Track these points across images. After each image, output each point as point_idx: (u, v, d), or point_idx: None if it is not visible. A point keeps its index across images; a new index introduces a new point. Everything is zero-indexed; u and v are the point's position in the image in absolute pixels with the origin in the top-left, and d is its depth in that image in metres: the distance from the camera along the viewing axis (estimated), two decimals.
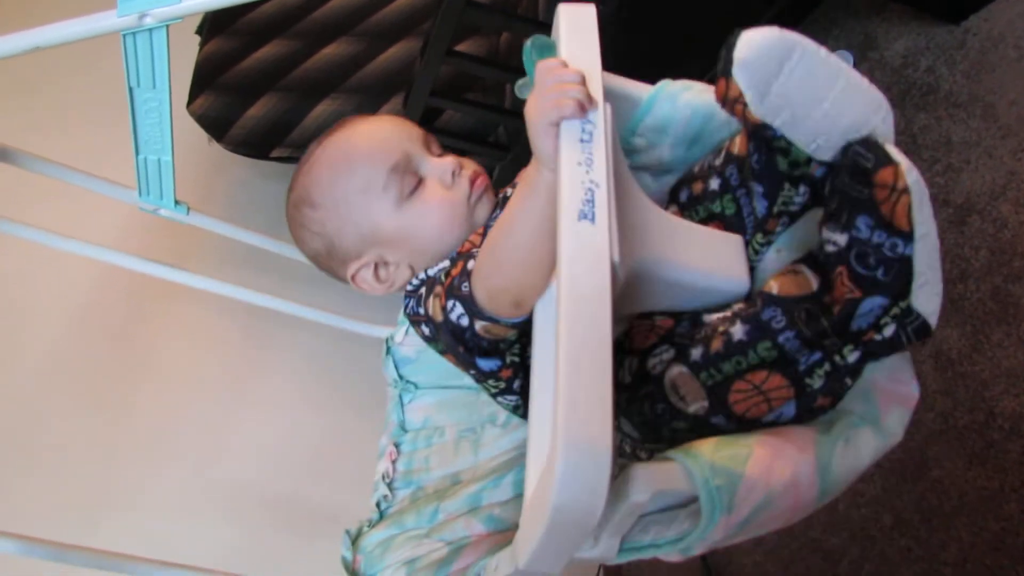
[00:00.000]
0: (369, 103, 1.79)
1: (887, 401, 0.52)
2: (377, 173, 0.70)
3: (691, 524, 0.48)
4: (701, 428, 0.52)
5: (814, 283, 0.50)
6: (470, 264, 0.58)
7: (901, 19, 1.45)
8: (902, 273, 0.45)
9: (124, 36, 0.81)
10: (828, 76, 0.48)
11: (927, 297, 0.47)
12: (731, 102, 0.50)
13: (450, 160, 0.72)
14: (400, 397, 0.96)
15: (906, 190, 0.45)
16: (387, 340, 0.97)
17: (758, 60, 0.47)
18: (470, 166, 0.73)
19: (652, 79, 0.68)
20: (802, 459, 0.47)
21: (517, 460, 0.82)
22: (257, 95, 1.80)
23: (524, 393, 0.64)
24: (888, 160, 0.46)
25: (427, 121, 1.69)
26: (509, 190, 0.73)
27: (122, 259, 1.14)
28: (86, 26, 0.80)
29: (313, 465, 1.84)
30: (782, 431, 0.50)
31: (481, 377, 0.66)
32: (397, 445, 0.94)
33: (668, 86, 0.64)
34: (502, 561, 0.57)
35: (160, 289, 1.83)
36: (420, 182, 0.71)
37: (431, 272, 0.69)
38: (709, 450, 0.47)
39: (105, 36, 0.80)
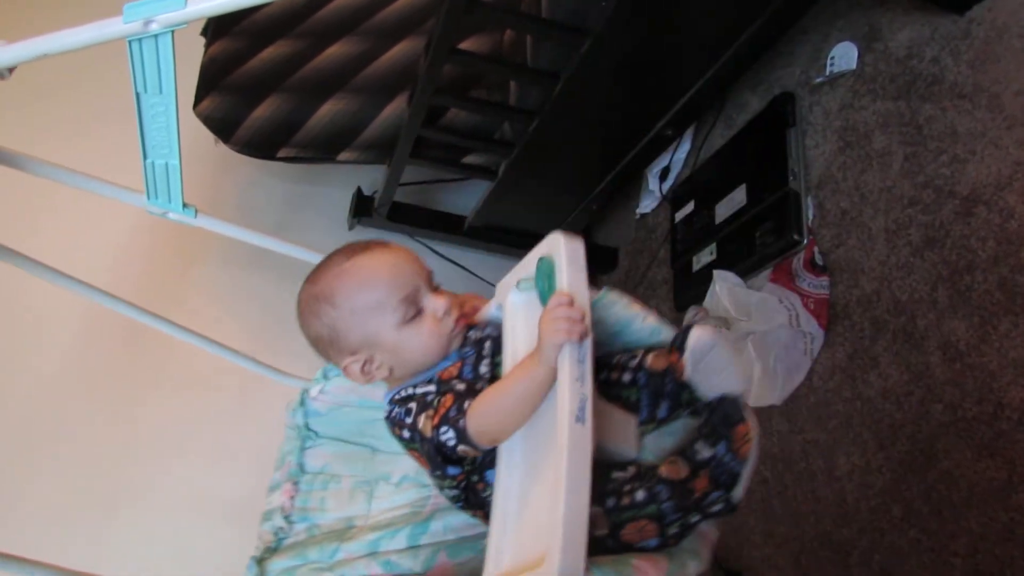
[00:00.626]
0: (374, 103, 1.79)
1: (704, 543, 0.82)
2: (392, 299, 0.88)
3: None
4: (599, 544, 0.76)
5: (685, 472, 0.77)
6: (466, 404, 0.79)
7: (905, 9, 1.45)
8: (733, 480, 0.76)
9: (130, 42, 0.82)
10: (726, 361, 0.80)
11: (740, 491, 0.76)
12: (674, 364, 0.81)
13: (445, 300, 0.90)
14: (302, 441, 1.21)
15: (749, 439, 0.76)
16: (302, 392, 1.23)
17: (698, 350, 0.79)
18: (456, 310, 0.91)
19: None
20: (659, 572, 0.74)
21: (411, 517, 1.05)
22: (263, 96, 1.81)
23: (466, 490, 0.87)
24: (743, 419, 0.77)
25: (432, 119, 1.69)
26: (484, 330, 0.93)
27: (107, 301, 1.19)
28: (92, 33, 0.81)
29: None
30: (648, 557, 0.76)
31: (442, 476, 0.86)
32: (295, 483, 1.16)
33: (608, 295, 0.88)
34: None
35: (168, 293, 1.84)
36: (419, 312, 0.89)
37: (418, 391, 0.87)
38: (611, 564, 0.71)
39: (111, 42, 0.81)
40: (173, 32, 0.82)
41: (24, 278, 1.70)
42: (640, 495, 0.77)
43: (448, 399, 0.82)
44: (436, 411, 0.82)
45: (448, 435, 0.79)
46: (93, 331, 1.89)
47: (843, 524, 1.36)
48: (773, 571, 1.51)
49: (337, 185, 2.25)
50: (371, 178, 2.18)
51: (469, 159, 1.87)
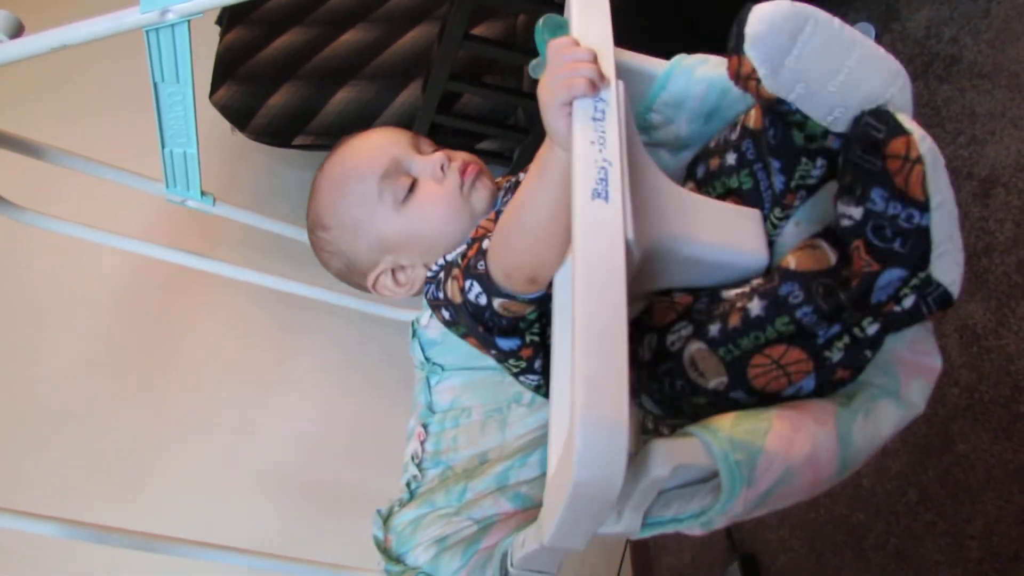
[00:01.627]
0: (388, 89, 1.80)
1: (908, 373, 0.52)
2: (369, 184, 0.72)
3: (712, 498, 0.48)
4: (721, 403, 0.52)
5: (832, 257, 0.49)
6: (485, 243, 0.59)
7: None
8: (920, 244, 0.45)
9: (147, 32, 0.83)
10: (842, 48, 0.48)
11: (947, 266, 0.46)
12: (744, 79, 0.50)
13: (438, 155, 0.74)
14: (427, 379, 0.98)
15: (919, 159, 0.44)
16: (413, 323, 1.00)
17: (770, 35, 0.47)
18: (459, 156, 0.75)
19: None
20: (822, 432, 0.47)
21: (543, 439, 0.83)
22: (278, 83, 1.82)
23: (546, 373, 0.65)
24: (900, 130, 0.45)
25: (446, 105, 1.70)
26: (521, 175, 0.74)
27: (160, 251, 1.17)
28: (110, 24, 0.82)
29: (343, 446, 1.88)
30: (802, 404, 0.50)
31: (502, 357, 0.66)
32: (425, 426, 0.96)
33: (683, 60, 0.64)
34: (528, 537, 0.57)
35: (193, 277, 1.85)
36: (414, 183, 0.73)
37: (449, 257, 0.70)
38: (728, 424, 0.47)
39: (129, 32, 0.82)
40: (189, 21, 0.82)
41: (48, 263, 1.73)
42: (757, 306, 0.50)
43: (473, 248, 0.63)
44: (460, 267, 0.63)
45: (476, 290, 0.60)
46: (114, 313, 1.92)
47: (858, 507, 1.36)
48: (788, 554, 1.51)
49: None
50: None
51: (483, 145, 1.87)
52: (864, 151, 0.47)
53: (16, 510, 0.87)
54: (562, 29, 0.57)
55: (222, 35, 1.92)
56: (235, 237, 2.08)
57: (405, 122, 1.77)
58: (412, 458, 0.94)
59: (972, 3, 1.34)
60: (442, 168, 0.74)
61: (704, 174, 0.62)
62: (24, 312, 1.90)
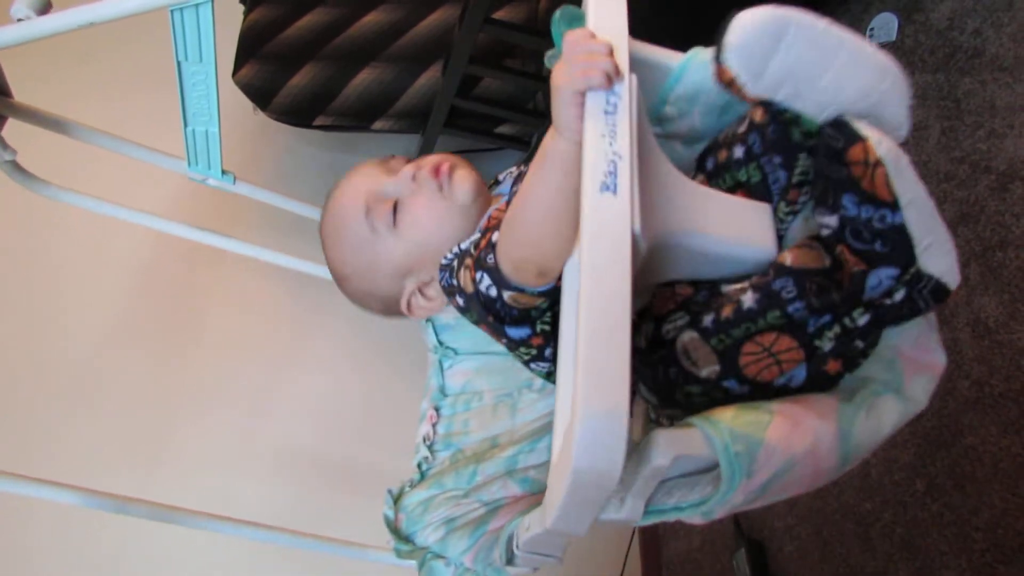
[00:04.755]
0: (409, 71, 1.80)
1: (912, 369, 0.52)
2: (358, 226, 0.74)
3: (712, 488, 0.49)
4: (713, 392, 0.54)
5: (827, 259, 0.51)
6: (494, 236, 0.60)
7: None
8: (900, 241, 0.46)
9: (172, 11, 0.84)
10: (828, 48, 0.49)
11: (936, 258, 0.47)
12: (727, 85, 0.52)
13: (407, 169, 0.74)
14: (440, 362, 0.99)
15: (879, 163, 0.46)
16: None
17: (749, 43, 0.49)
18: (427, 161, 0.75)
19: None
20: (822, 426, 0.48)
21: (552, 424, 0.74)
22: (300, 63, 1.83)
23: (555, 361, 0.65)
24: (856, 137, 0.47)
25: (465, 89, 1.70)
26: (524, 167, 0.75)
27: (180, 229, 1.19)
28: (136, 2, 0.83)
29: (356, 426, 1.90)
30: (803, 399, 0.51)
31: (512, 345, 0.68)
32: (437, 409, 0.97)
33: (699, 54, 0.64)
34: (533, 521, 0.59)
35: (212, 255, 1.88)
36: (396, 204, 0.74)
37: (463, 245, 0.70)
38: (729, 416, 0.48)
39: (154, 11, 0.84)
40: (213, 1, 0.84)
41: (73, 238, 1.76)
42: (750, 299, 0.52)
43: (484, 239, 0.63)
44: (473, 257, 0.64)
45: (486, 282, 0.60)
46: (139, 288, 1.95)
47: (866, 497, 1.37)
48: (795, 542, 1.52)
49: (372, 154, 2.24)
50: (405, 147, 2.20)
51: (502, 129, 1.87)
52: (828, 160, 0.49)
53: (37, 478, 0.90)
54: (578, 21, 0.57)
55: (246, 14, 1.94)
56: (254, 216, 2.10)
57: (425, 104, 1.78)
58: (424, 440, 0.96)
59: None
60: (414, 178, 0.74)
61: (713, 166, 0.63)
62: (47, 286, 1.93)
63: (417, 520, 0.87)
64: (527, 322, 0.62)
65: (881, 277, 0.48)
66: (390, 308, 0.81)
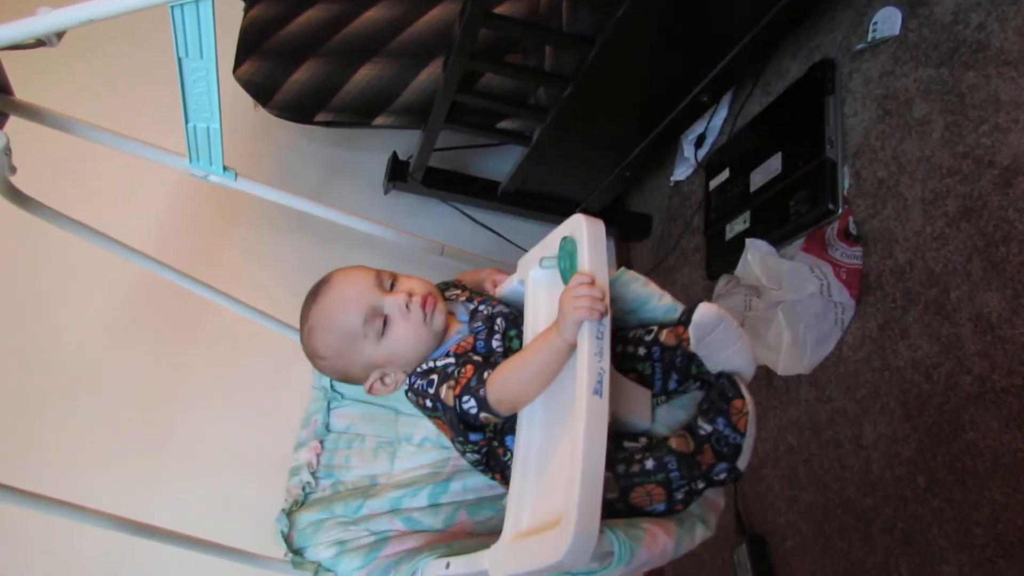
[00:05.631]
0: (410, 67, 1.80)
1: (711, 509, 0.88)
2: (355, 328, 0.93)
3: (599, 565, 0.77)
4: (609, 507, 0.79)
5: (692, 446, 0.84)
6: (486, 374, 0.83)
7: None
8: (735, 452, 0.82)
9: (172, 8, 0.84)
10: (733, 339, 0.85)
11: (744, 461, 0.82)
12: (681, 340, 0.87)
13: (401, 296, 0.94)
14: (328, 403, 1.27)
15: (745, 411, 0.82)
16: None
17: (703, 324, 0.84)
18: (418, 291, 0.95)
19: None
20: (667, 539, 0.80)
21: (431, 476, 1.11)
22: (301, 60, 1.83)
23: (487, 455, 0.93)
24: (740, 394, 0.83)
25: (467, 84, 1.70)
26: (476, 303, 0.99)
27: (159, 269, 1.27)
28: None
29: None
30: (659, 521, 0.82)
31: (464, 441, 0.91)
32: (321, 442, 1.23)
33: (626, 274, 0.93)
34: (457, 565, 0.84)
35: (211, 254, 1.89)
36: (386, 320, 0.93)
37: (438, 364, 0.92)
38: (623, 527, 0.76)
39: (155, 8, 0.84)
40: None
41: (72, 239, 1.75)
42: (650, 463, 0.83)
43: (469, 370, 0.86)
44: (458, 382, 0.86)
45: (470, 404, 0.84)
46: (140, 288, 1.96)
47: (867, 492, 1.37)
48: (796, 537, 1.53)
49: (373, 150, 2.28)
50: (406, 143, 2.20)
51: (503, 124, 1.87)
52: (720, 397, 0.84)
53: (26, 490, 0.89)
54: (575, 248, 0.84)
55: (246, 10, 1.94)
56: (255, 212, 2.10)
57: (426, 100, 1.78)
58: (308, 466, 1.19)
59: None
60: (407, 305, 0.93)
61: (621, 353, 0.92)
62: (46, 284, 1.94)
63: (309, 538, 1.07)
64: (483, 431, 0.89)
65: (722, 467, 0.82)
66: (345, 379, 1.00)
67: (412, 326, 0.93)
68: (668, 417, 0.93)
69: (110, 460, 1.76)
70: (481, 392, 0.83)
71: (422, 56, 1.81)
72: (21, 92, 1.02)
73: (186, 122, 1.02)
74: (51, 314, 1.91)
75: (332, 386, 1.28)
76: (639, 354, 0.91)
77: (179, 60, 0.92)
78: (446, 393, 0.87)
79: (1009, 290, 1.17)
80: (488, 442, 0.91)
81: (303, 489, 1.17)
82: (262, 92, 1.81)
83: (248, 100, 1.85)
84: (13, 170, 0.98)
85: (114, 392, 1.86)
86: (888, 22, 1.54)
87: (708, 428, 0.83)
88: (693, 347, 0.85)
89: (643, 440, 0.87)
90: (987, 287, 1.21)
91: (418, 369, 0.94)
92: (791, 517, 1.55)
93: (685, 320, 0.86)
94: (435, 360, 0.93)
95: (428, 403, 0.92)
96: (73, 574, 1.68)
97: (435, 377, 0.91)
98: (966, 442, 1.20)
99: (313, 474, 1.19)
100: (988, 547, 1.15)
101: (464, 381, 0.85)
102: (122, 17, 0.85)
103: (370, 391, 0.98)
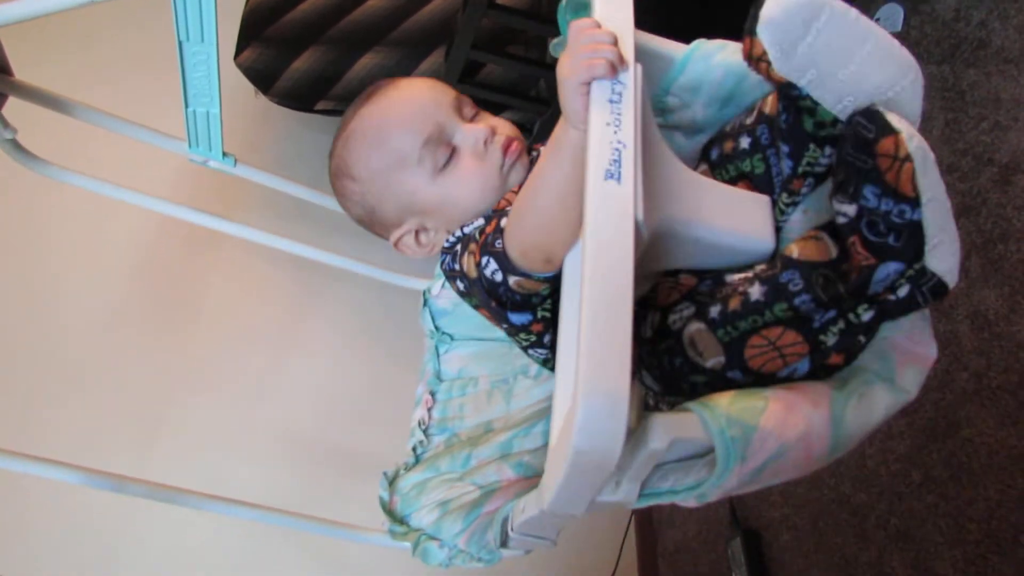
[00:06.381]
0: (412, 56, 1.80)
1: (904, 360, 0.53)
2: (411, 148, 0.72)
3: (708, 472, 0.50)
4: (717, 382, 0.54)
5: (834, 250, 0.51)
6: (503, 221, 0.60)
7: None
8: (913, 237, 0.47)
9: None
10: (856, 38, 0.49)
11: (941, 257, 0.47)
12: (756, 60, 0.51)
13: (483, 128, 0.73)
14: (436, 347, 1.00)
15: (908, 158, 0.46)
16: (424, 292, 1.00)
17: (784, 19, 0.48)
18: (503, 131, 0.74)
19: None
20: (815, 413, 0.49)
21: (547, 410, 0.85)
22: (303, 47, 1.82)
23: (554, 347, 0.65)
24: (889, 129, 0.47)
25: (468, 74, 1.70)
26: (540, 148, 0.75)
27: (182, 212, 1.18)
28: None
29: (354, 409, 1.91)
30: (797, 386, 0.51)
31: (513, 331, 0.68)
32: (433, 393, 0.98)
33: (702, 46, 0.64)
34: (529, 503, 0.60)
35: (212, 237, 1.88)
36: (454, 152, 0.73)
37: (467, 230, 0.71)
38: (725, 402, 0.48)
39: None
40: None
41: (78, 214, 1.75)
42: (757, 291, 0.52)
43: (492, 224, 0.63)
44: (478, 243, 0.64)
45: (492, 267, 0.61)
46: (137, 271, 1.96)
47: (862, 487, 1.38)
48: (791, 531, 1.53)
49: None
50: None
51: (504, 115, 1.87)
52: (855, 149, 0.48)
53: (36, 456, 0.90)
54: (585, 10, 0.57)
55: None
56: (255, 199, 2.09)
57: None
58: (419, 424, 0.96)
59: None
60: (485, 143, 0.73)
61: (718, 156, 0.63)
62: (46, 267, 1.93)
63: (412, 502, 0.87)
64: (529, 308, 0.63)
65: (888, 271, 0.48)
66: (372, 224, 0.79)
67: (484, 170, 0.72)
68: (805, 227, 0.58)
69: (104, 447, 1.76)
70: (498, 244, 0.60)
71: (424, 46, 1.80)
72: (21, 73, 1.02)
73: (186, 107, 1.01)
74: (47, 301, 1.91)
75: (437, 327, 0.99)
76: (742, 148, 0.61)
77: (180, 44, 0.91)
78: (468, 263, 0.65)
79: (1007, 287, 1.18)
80: (544, 326, 0.64)
81: (413, 450, 0.96)
82: (263, 79, 1.81)
83: (249, 87, 1.85)
84: (13, 131, 0.98)
85: (112, 373, 1.85)
86: (890, 18, 1.54)
87: (851, 209, 0.48)
88: (781, 68, 0.50)
89: (760, 267, 0.56)
90: (984, 284, 1.21)
91: (447, 242, 0.72)
92: (785, 511, 1.55)
93: (752, 23, 0.51)
94: (464, 228, 0.71)
95: (460, 284, 0.70)
96: (66, 564, 1.69)
97: (460, 247, 0.69)
98: (961, 438, 1.20)
99: (425, 431, 0.96)
100: (982, 543, 1.16)
101: (484, 239, 0.63)
102: (122, 0, 0.84)
103: (397, 244, 0.79)
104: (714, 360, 0.54)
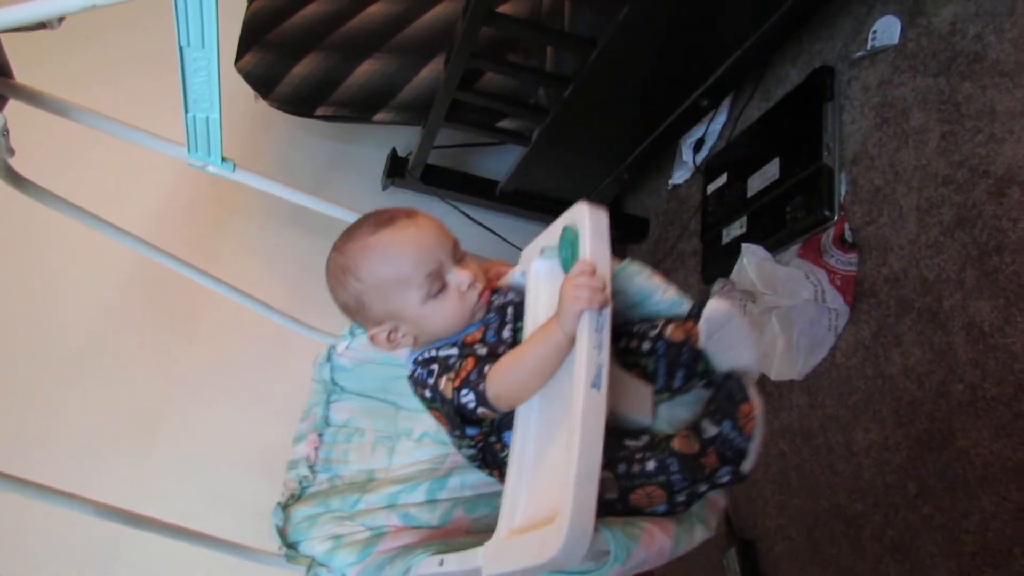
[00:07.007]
0: (411, 64, 1.81)
1: (712, 510, 0.85)
2: (416, 275, 0.89)
3: (594, 565, 0.76)
4: (606, 507, 0.77)
5: (696, 447, 0.80)
6: (486, 368, 0.82)
7: None
8: (740, 456, 0.79)
9: None
10: (742, 336, 0.83)
11: (748, 465, 0.79)
12: (691, 335, 0.84)
13: (468, 274, 0.91)
14: (328, 395, 1.25)
15: (753, 417, 0.79)
16: (330, 348, 1.26)
17: (712, 320, 0.83)
18: (480, 281, 0.92)
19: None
20: (665, 539, 0.78)
21: (430, 472, 1.09)
22: (303, 53, 1.83)
23: (483, 450, 0.91)
24: (748, 398, 0.80)
25: (468, 82, 1.71)
26: (508, 294, 0.95)
27: (157, 255, 1.24)
28: None
29: None
30: (657, 520, 0.80)
31: (461, 437, 0.89)
32: (320, 435, 1.21)
33: (630, 266, 0.91)
34: (451, 561, 0.83)
35: (210, 246, 1.88)
36: (443, 286, 0.90)
37: (440, 353, 0.89)
38: (620, 525, 0.75)
39: None
40: None
41: (74, 223, 1.75)
42: (651, 464, 0.80)
43: (469, 362, 0.84)
44: (457, 374, 0.84)
45: (468, 397, 0.82)
46: (137, 276, 1.95)
47: (858, 498, 1.38)
48: (786, 542, 1.53)
49: (372, 145, 2.28)
50: (406, 139, 2.20)
51: (503, 124, 1.88)
52: (727, 400, 0.80)
53: (33, 482, 0.89)
54: (576, 237, 0.81)
55: (249, 2, 1.94)
56: (253, 204, 2.10)
57: (427, 97, 1.79)
58: (306, 459, 1.18)
59: (998, 0, 1.33)
60: (468, 287, 0.91)
61: (624, 347, 0.89)
62: (43, 273, 1.93)
63: (304, 532, 1.05)
64: (480, 425, 0.88)
65: (724, 471, 0.79)
66: (355, 314, 0.96)
67: (461, 307, 0.91)
68: (670, 415, 0.90)
69: (101, 451, 1.76)
70: (480, 387, 0.82)
71: (424, 53, 1.81)
72: (21, 77, 1.02)
73: (186, 112, 1.02)
74: (46, 303, 1.91)
75: (333, 379, 1.26)
76: (643, 349, 0.88)
77: (180, 49, 0.91)
78: (445, 385, 0.86)
79: (1001, 299, 1.18)
80: (485, 437, 0.90)
81: (300, 483, 1.15)
82: (263, 84, 1.82)
83: (248, 92, 1.85)
84: (11, 152, 0.98)
85: (107, 381, 1.85)
86: (887, 31, 1.54)
87: (714, 431, 0.80)
88: (702, 343, 0.83)
89: (644, 438, 0.83)
90: (980, 296, 1.22)
91: (421, 356, 0.92)
92: (781, 522, 1.55)
93: (695, 314, 0.84)
94: (439, 349, 0.91)
95: (428, 393, 0.90)
96: (65, 563, 1.68)
97: (436, 367, 0.88)
98: (957, 450, 1.21)
99: (311, 467, 1.17)
100: (977, 555, 1.15)
101: (464, 374, 0.84)
102: (123, 4, 0.85)
103: (373, 339, 0.94)
104: (611, 495, 0.80)
